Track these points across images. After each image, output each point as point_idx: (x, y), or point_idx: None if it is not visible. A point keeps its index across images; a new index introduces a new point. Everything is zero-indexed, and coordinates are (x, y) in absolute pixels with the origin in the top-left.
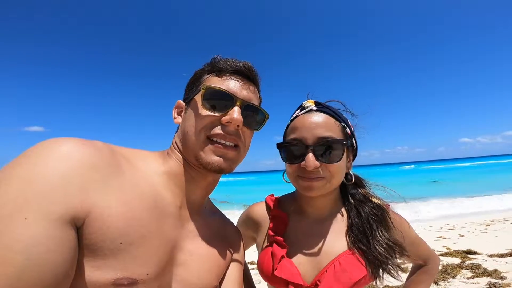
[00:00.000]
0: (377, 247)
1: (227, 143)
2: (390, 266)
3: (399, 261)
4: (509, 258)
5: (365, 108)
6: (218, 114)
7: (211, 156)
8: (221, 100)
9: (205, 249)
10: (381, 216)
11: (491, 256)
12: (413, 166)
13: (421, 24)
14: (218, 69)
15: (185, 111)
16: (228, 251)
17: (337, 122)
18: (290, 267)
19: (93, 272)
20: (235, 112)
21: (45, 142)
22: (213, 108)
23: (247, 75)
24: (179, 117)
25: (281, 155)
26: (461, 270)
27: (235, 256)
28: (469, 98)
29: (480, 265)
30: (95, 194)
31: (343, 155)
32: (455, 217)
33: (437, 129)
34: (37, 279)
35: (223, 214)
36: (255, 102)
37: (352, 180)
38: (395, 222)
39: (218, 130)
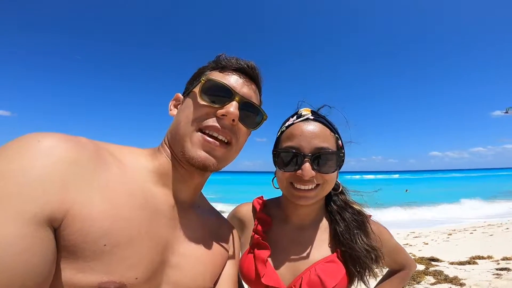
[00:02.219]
0: (357, 253)
1: (220, 137)
2: (366, 272)
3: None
4: (467, 266)
5: (351, 119)
6: (215, 107)
7: (196, 150)
8: (220, 93)
9: (199, 250)
10: (361, 222)
11: (452, 263)
12: (398, 175)
13: (395, 37)
14: (221, 66)
15: (182, 103)
16: (223, 251)
17: (332, 133)
18: (273, 273)
19: (74, 275)
20: (232, 106)
21: (24, 137)
22: (210, 100)
23: (250, 74)
24: (175, 109)
25: (274, 161)
26: (425, 276)
27: (231, 255)
28: (440, 114)
29: (442, 271)
30: (76, 192)
31: (337, 165)
32: (420, 225)
33: (409, 141)
34: (10, 282)
35: (218, 212)
36: (255, 101)
37: (339, 189)
38: (375, 230)
39: (211, 122)
